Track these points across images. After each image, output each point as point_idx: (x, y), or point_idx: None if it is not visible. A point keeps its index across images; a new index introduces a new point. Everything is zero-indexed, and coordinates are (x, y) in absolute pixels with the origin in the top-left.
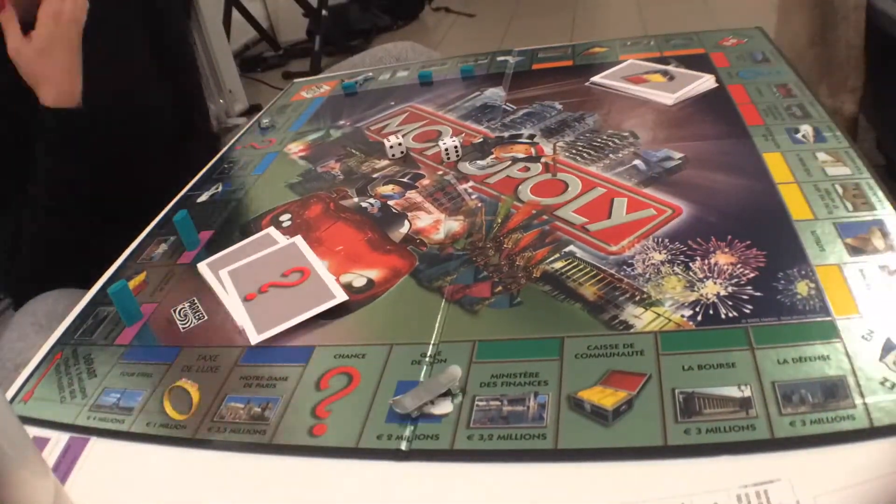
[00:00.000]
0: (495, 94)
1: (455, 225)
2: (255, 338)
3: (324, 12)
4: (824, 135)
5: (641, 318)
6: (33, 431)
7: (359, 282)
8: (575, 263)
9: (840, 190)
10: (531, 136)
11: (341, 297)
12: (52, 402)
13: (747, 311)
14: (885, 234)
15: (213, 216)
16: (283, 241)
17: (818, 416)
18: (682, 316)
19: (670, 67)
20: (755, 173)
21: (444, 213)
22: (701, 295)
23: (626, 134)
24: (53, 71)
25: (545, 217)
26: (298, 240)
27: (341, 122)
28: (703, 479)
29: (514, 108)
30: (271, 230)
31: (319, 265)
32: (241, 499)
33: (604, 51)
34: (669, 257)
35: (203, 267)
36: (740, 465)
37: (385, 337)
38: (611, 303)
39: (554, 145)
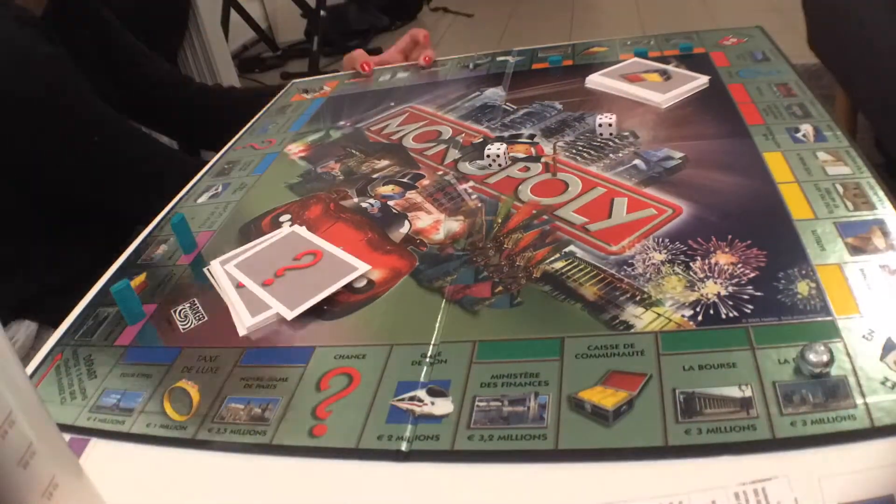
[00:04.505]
0: (495, 94)
1: (455, 225)
2: (288, 314)
3: (322, 13)
4: (824, 134)
5: (642, 318)
6: None
7: (359, 282)
8: (575, 263)
9: (840, 189)
10: (531, 136)
11: (363, 267)
12: (51, 404)
13: (748, 311)
14: (885, 234)
15: (212, 217)
16: (286, 231)
17: (819, 415)
18: (683, 316)
19: (670, 67)
20: (755, 173)
21: (445, 213)
22: (701, 295)
23: (626, 133)
24: None
25: (545, 217)
26: (297, 227)
27: (341, 123)
28: (702, 477)
29: (514, 107)
30: (295, 227)
31: (330, 246)
32: (241, 500)
33: (604, 50)
34: (670, 257)
35: (216, 265)
36: (739, 463)
37: (385, 337)
38: (611, 303)
39: (554, 145)
